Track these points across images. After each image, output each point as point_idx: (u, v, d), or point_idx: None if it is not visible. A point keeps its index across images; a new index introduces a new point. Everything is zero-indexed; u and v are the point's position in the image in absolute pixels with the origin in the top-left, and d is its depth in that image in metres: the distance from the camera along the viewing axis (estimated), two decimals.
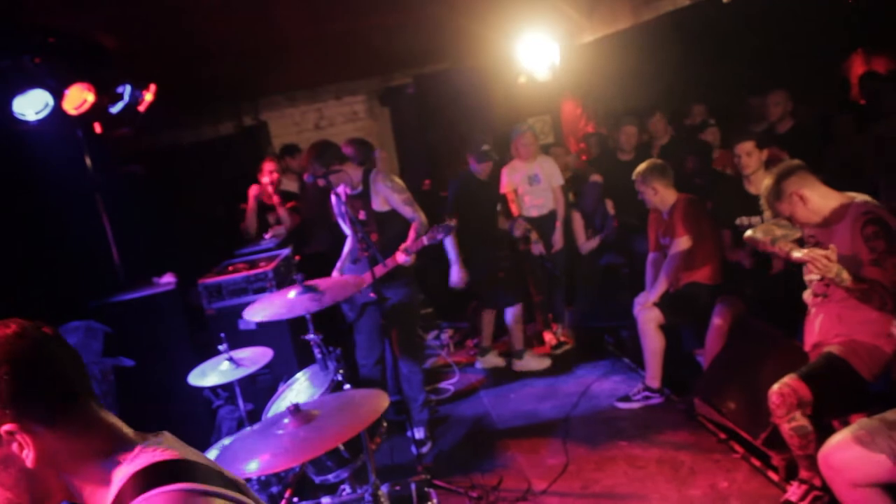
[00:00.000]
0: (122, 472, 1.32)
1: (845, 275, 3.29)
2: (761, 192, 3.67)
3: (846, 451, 2.92)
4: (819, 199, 3.52)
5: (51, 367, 1.33)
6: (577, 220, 6.70)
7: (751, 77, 7.15)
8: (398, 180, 4.99)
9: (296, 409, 2.81)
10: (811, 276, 3.63)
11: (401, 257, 4.69)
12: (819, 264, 3.23)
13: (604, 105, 8.89)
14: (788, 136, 5.73)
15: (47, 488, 1.35)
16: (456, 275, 5.71)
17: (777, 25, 6.78)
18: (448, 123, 8.26)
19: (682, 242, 4.97)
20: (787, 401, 3.40)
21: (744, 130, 5.06)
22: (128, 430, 1.41)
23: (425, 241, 4.68)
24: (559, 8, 6.99)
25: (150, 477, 1.29)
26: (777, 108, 5.87)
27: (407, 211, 4.83)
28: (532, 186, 6.41)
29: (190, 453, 1.40)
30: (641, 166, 5.14)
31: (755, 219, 4.82)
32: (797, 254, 3.37)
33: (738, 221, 4.92)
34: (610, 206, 6.64)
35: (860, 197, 3.54)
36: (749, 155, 4.79)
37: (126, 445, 1.37)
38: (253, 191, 6.41)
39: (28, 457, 1.30)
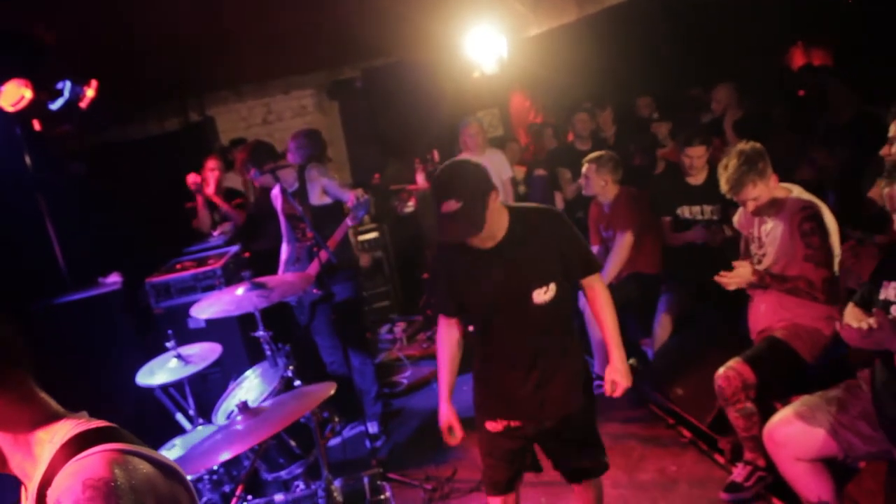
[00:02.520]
0: (56, 440, 1.40)
1: (767, 279, 3.53)
2: (731, 171, 3.57)
3: (788, 427, 3.03)
4: (775, 185, 3.63)
5: None
6: None
7: (696, 69, 7.29)
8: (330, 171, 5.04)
9: (244, 406, 2.83)
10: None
11: (324, 255, 4.65)
12: (734, 282, 3.59)
13: (552, 97, 8.96)
14: (736, 127, 5.85)
15: None
16: None
17: (719, 18, 6.92)
18: (397, 117, 8.26)
19: (627, 239, 5.05)
20: (732, 384, 3.50)
21: (696, 132, 5.05)
22: (57, 406, 1.49)
23: (349, 221, 4.67)
24: (506, 1, 7.04)
25: (83, 440, 1.39)
26: (724, 100, 5.98)
27: (347, 195, 4.81)
28: None
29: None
30: (598, 153, 5.18)
31: (695, 208, 4.94)
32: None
33: (678, 211, 5.01)
34: (559, 199, 6.70)
35: (796, 190, 3.65)
36: (700, 158, 4.86)
37: (57, 417, 1.46)
38: (192, 180, 6.25)
39: None
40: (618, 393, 3.02)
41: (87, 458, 1.33)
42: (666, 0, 7.03)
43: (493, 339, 3.00)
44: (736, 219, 4.03)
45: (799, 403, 3.10)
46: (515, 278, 2.80)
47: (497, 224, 2.74)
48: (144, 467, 1.37)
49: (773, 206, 3.64)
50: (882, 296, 2.75)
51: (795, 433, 3.00)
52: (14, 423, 1.40)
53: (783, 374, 3.57)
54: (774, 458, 3.12)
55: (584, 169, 5.21)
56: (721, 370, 3.56)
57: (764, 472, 3.60)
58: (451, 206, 2.62)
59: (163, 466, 1.42)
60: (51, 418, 1.44)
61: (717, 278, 3.60)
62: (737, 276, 3.56)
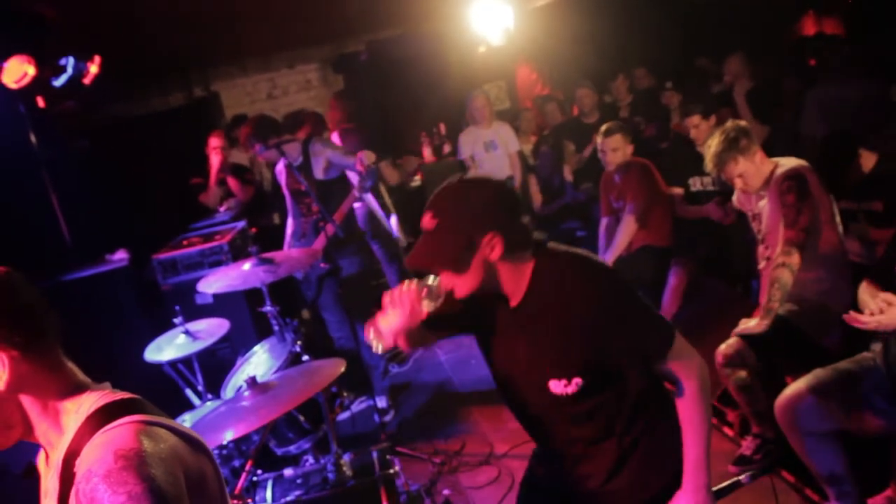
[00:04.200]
0: (81, 410, 1.40)
1: (768, 309, 3.42)
2: (714, 149, 3.61)
3: (800, 400, 3.00)
4: (762, 161, 3.60)
5: (27, 299, 1.43)
6: (534, 185, 6.72)
7: (707, 39, 7.19)
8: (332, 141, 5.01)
9: (253, 382, 2.83)
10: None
11: (330, 229, 4.63)
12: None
13: (559, 69, 8.87)
14: (749, 98, 5.78)
15: (10, 418, 1.41)
16: None
17: None
18: (403, 90, 8.20)
19: (631, 225, 5.00)
20: (731, 361, 3.47)
21: (691, 102, 5.04)
22: (83, 377, 1.49)
23: (356, 193, 4.65)
24: None
25: (109, 412, 1.39)
26: (735, 71, 5.91)
27: (352, 160, 4.76)
28: (489, 153, 6.40)
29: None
30: (608, 125, 5.10)
31: (706, 178, 4.89)
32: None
33: (690, 181, 4.97)
34: (567, 172, 6.65)
35: (785, 161, 3.59)
36: (697, 127, 4.82)
37: (83, 388, 1.46)
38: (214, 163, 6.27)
39: (1, 378, 1.37)
40: None
41: (115, 430, 1.34)
42: None
43: (523, 421, 2.25)
44: (735, 197, 4.00)
45: (810, 377, 3.06)
46: (525, 360, 2.05)
47: (508, 278, 1.99)
48: (171, 439, 1.38)
49: (766, 183, 3.61)
50: None
51: (807, 407, 2.98)
52: (43, 392, 1.41)
53: (787, 350, 3.53)
54: (786, 432, 3.10)
55: (599, 144, 5.10)
56: (722, 346, 3.52)
57: (772, 446, 3.59)
58: (426, 222, 1.96)
59: (188, 438, 1.44)
60: (77, 389, 1.44)
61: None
62: (750, 329, 3.51)
